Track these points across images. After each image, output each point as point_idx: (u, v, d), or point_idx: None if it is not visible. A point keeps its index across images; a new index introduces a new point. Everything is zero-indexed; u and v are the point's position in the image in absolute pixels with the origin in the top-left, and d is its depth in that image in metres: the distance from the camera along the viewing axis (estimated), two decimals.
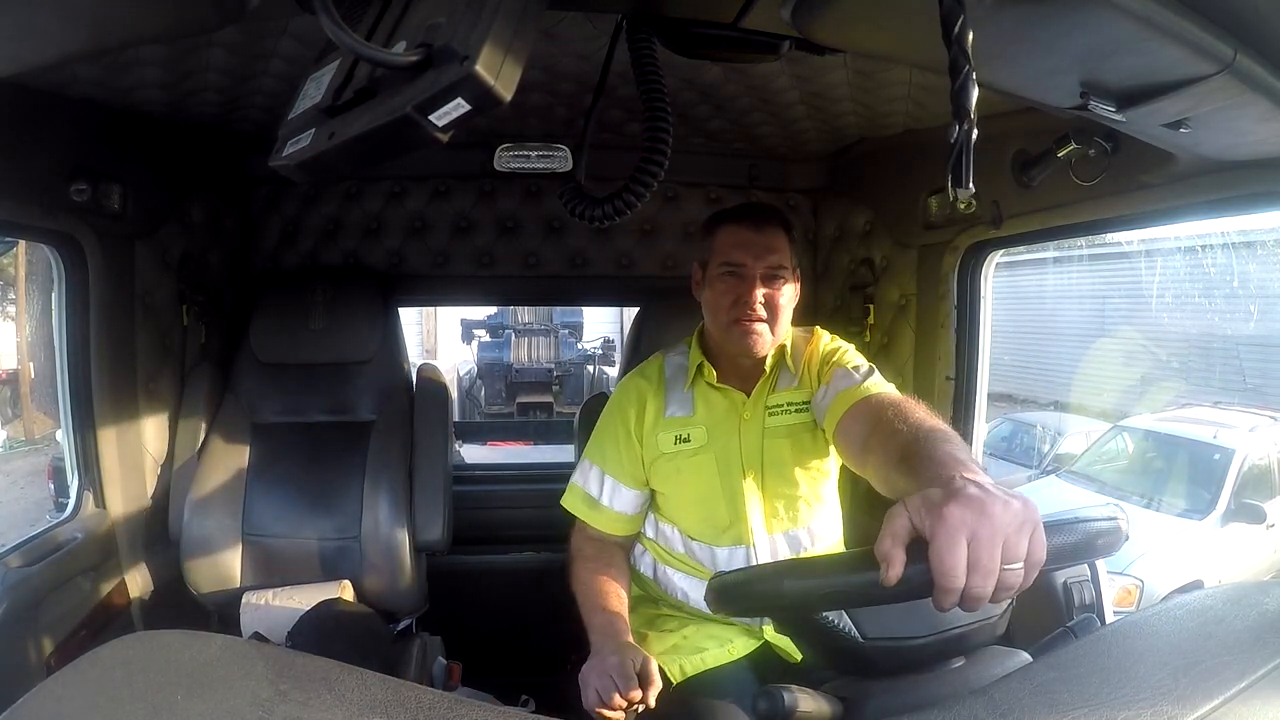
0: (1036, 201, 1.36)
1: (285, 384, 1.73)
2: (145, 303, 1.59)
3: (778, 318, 1.24)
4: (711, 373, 1.31)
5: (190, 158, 1.69)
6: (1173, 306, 8.62)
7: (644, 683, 1.05)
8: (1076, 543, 0.69)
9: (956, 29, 0.60)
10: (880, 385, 1.18)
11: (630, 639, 1.16)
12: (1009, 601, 0.86)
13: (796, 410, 1.29)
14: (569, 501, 1.36)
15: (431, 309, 10.03)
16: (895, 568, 0.61)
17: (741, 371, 1.30)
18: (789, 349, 1.32)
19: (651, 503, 1.35)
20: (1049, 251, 10.12)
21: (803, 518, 1.30)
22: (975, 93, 0.61)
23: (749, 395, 1.30)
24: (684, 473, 1.30)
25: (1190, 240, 8.24)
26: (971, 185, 0.64)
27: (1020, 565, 0.62)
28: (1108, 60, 0.73)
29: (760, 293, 1.23)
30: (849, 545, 1.41)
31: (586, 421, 1.57)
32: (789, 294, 1.26)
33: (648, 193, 0.83)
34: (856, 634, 0.76)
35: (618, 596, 1.24)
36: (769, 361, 1.29)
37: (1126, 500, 4.63)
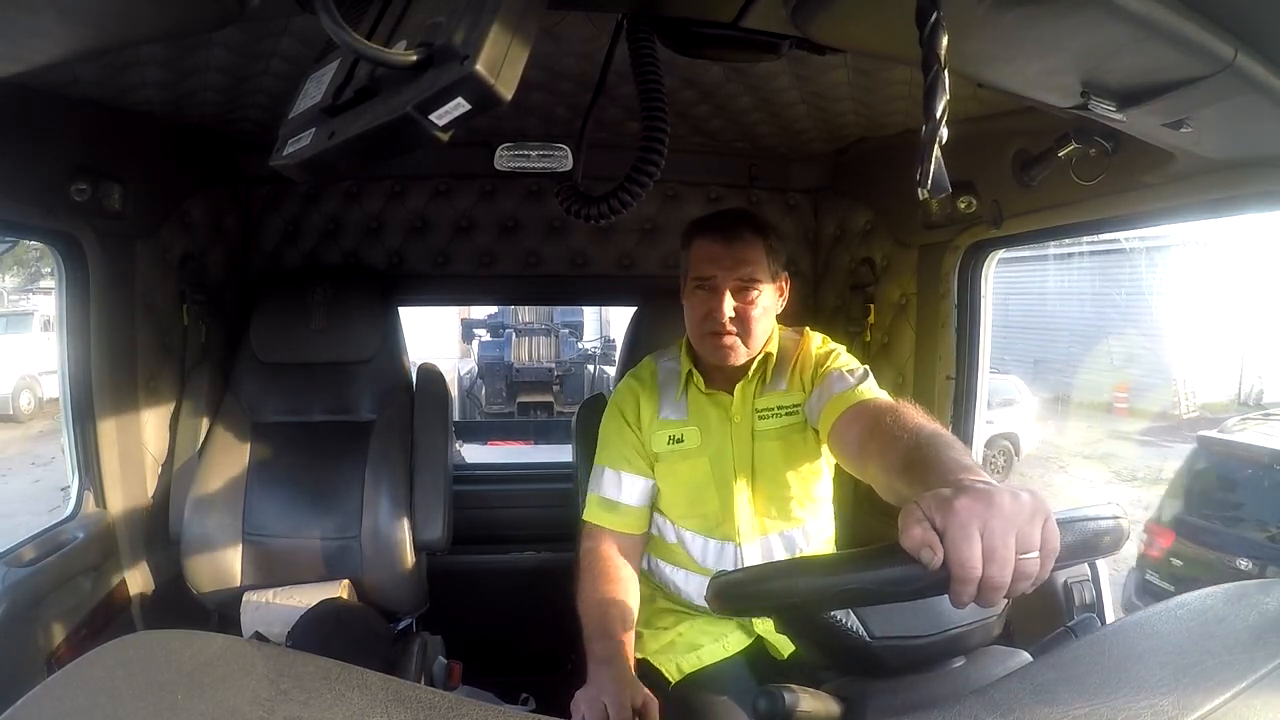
0: (1037, 201, 1.36)
1: (285, 383, 1.73)
2: (145, 302, 1.59)
3: (749, 329, 1.24)
4: (700, 380, 1.32)
5: (190, 157, 1.69)
6: (1062, 304, 10.53)
7: None
8: (1078, 542, 0.69)
9: (928, 28, 0.60)
10: (873, 390, 1.18)
11: (632, 670, 1.11)
12: (1005, 602, 0.86)
13: (787, 414, 1.29)
14: (589, 514, 1.33)
15: None
16: (939, 551, 0.61)
17: (727, 374, 1.31)
18: (775, 353, 1.31)
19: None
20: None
21: (796, 517, 1.30)
22: (945, 95, 0.61)
23: (732, 394, 1.30)
24: (679, 475, 1.31)
25: (1078, 248, 10.47)
26: (947, 185, 0.64)
27: (1036, 554, 0.62)
28: (1108, 60, 0.73)
29: (730, 305, 1.23)
30: (846, 544, 1.41)
31: (585, 421, 1.57)
32: (765, 303, 1.26)
33: (643, 191, 0.83)
34: (864, 633, 0.76)
35: (623, 622, 1.18)
36: (753, 364, 1.29)
37: None
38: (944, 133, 0.62)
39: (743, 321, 1.24)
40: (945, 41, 0.60)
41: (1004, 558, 0.61)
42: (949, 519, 0.61)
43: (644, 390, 1.36)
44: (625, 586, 1.24)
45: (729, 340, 1.24)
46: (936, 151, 0.62)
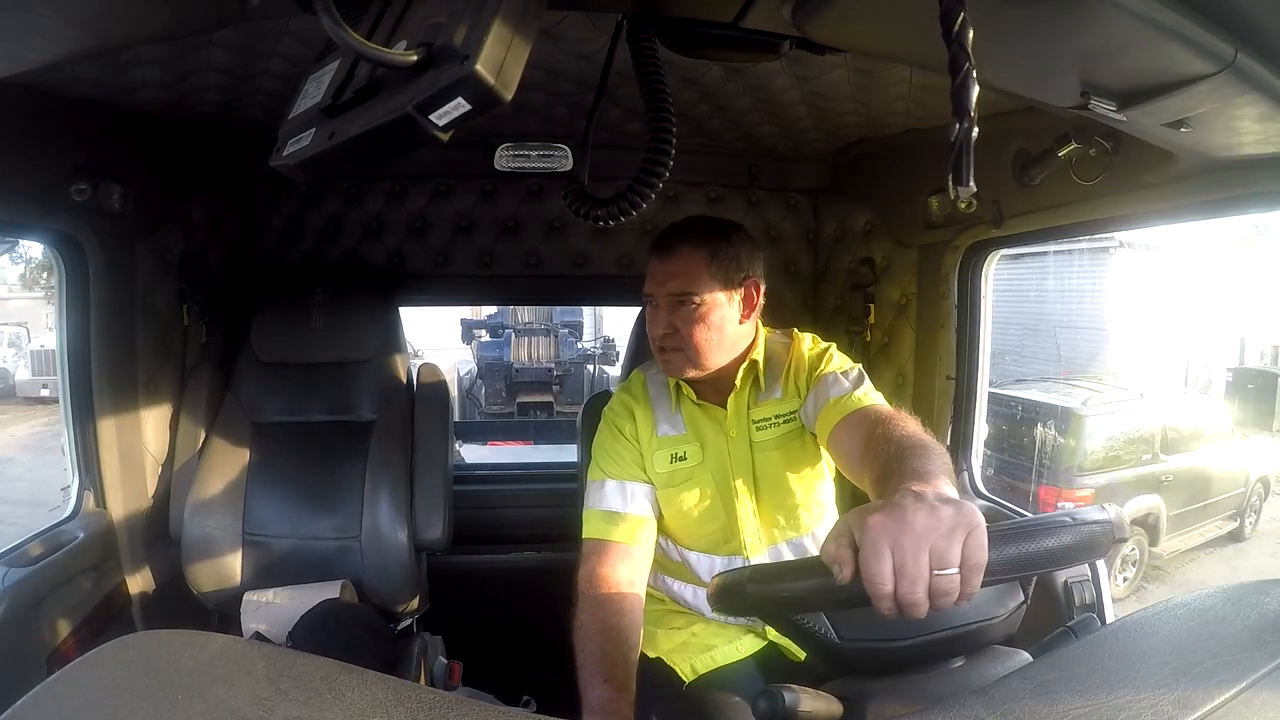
0: (1037, 201, 1.36)
1: (286, 384, 1.73)
2: (146, 302, 1.59)
3: (691, 343, 1.21)
4: (691, 391, 1.29)
5: (190, 158, 1.69)
6: (1011, 301, 11.29)
7: None
8: (1072, 545, 0.69)
9: (956, 26, 0.59)
10: (870, 395, 1.17)
11: None
12: (1021, 601, 0.87)
13: (784, 421, 1.27)
14: (589, 529, 1.24)
15: None
16: (848, 567, 0.63)
17: (715, 386, 1.28)
18: (762, 360, 1.28)
19: None
20: None
21: (805, 524, 1.29)
22: (975, 91, 0.61)
23: (725, 407, 1.28)
24: (685, 497, 1.27)
25: (1028, 250, 10.99)
26: (973, 184, 0.63)
27: (954, 570, 0.62)
28: (1108, 60, 0.73)
29: (663, 320, 1.22)
30: None
31: (589, 421, 1.57)
32: (709, 316, 1.21)
33: (652, 193, 0.83)
34: (833, 635, 0.78)
35: (625, 664, 1.08)
36: (739, 374, 1.26)
37: None
38: (975, 130, 0.62)
39: (681, 336, 1.21)
40: (972, 38, 0.60)
41: (914, 574, 0.61)
42: (863, 536, 0.63)
43: (638, 405, 1.32)
44: (630, 620, 1.13)
45: (669, 355, 1.23)
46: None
